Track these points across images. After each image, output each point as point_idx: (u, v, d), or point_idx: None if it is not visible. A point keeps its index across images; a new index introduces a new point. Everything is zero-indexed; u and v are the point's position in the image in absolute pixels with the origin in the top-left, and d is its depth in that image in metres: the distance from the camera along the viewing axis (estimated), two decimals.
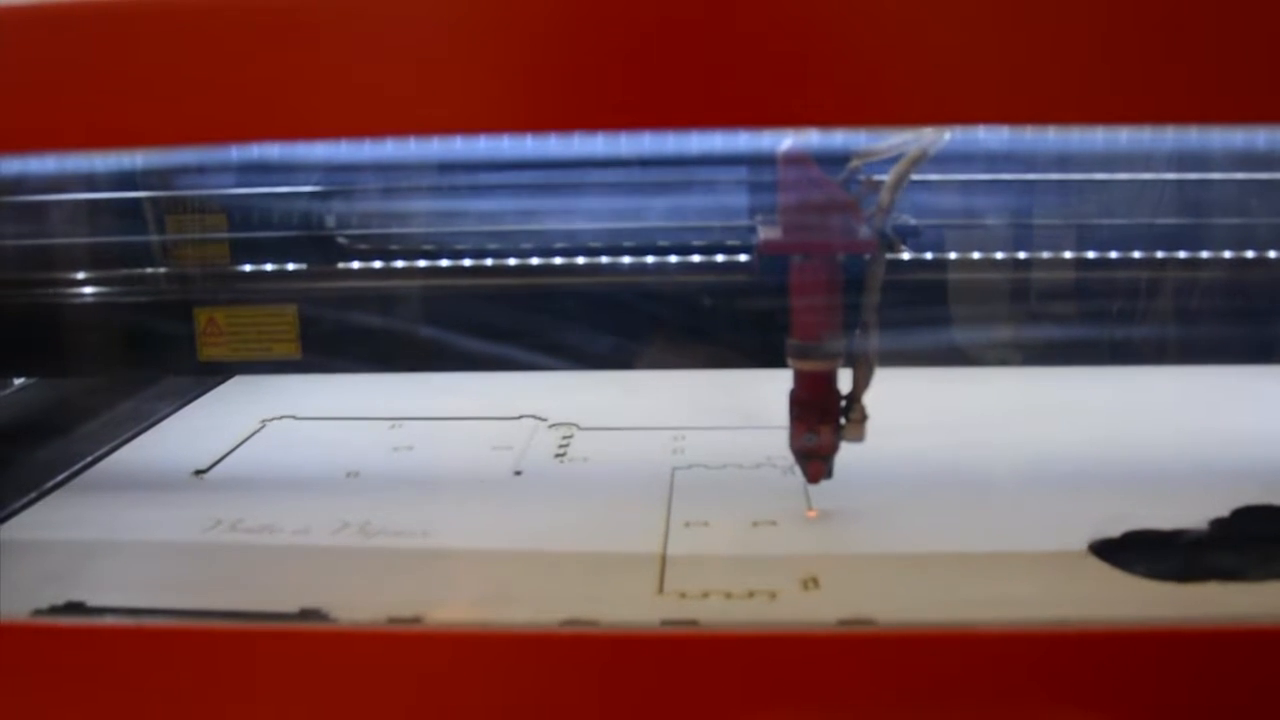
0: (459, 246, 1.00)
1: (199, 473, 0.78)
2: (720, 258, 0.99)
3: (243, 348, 1.01)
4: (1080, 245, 0.98)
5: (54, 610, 0.57)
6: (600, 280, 0.99)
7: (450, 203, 1.01)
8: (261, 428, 0.87)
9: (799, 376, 0.66)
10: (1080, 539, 0.61)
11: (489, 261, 1.00)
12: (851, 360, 0.66)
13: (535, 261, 1.00)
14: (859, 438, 0.66)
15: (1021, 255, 0.99)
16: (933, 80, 0.48)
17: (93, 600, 0.58)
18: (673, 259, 0.99)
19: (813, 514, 0.67)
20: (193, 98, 0.49)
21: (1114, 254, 0.98)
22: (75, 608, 0.57)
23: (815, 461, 0.67)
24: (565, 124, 0.52)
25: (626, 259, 0.99)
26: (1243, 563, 0.58)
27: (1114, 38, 0.46)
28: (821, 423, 0.66)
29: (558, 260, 1.00)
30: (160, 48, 0.49)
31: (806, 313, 0.65)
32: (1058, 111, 0.48)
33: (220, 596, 0.58)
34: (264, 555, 0.64)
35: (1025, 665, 0.52)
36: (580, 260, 1.00)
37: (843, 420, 0.66)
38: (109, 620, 0.56)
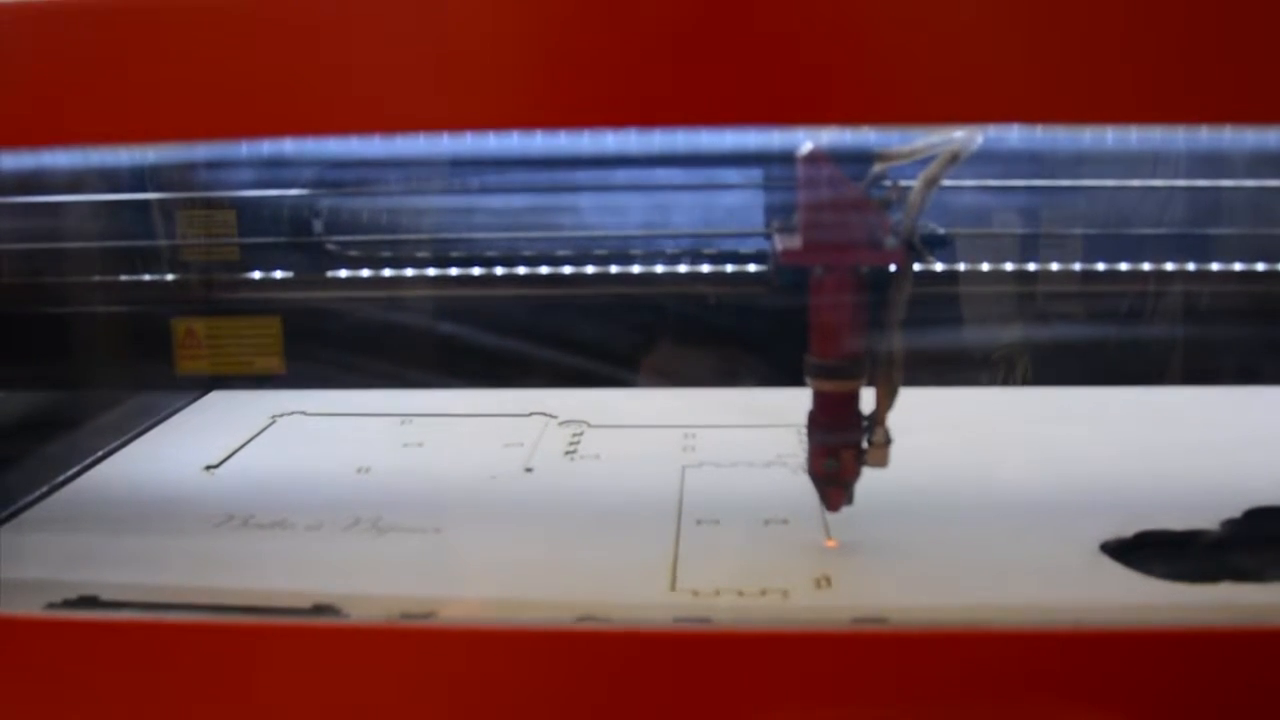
0: (455, 254, 0.96)
1: (210, 468, 0.78)
2: (730, 268, 0.94)
3: (223, 361, 0.95)
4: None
5: (67, 604, 0.57)
6: (605, 291, 0.95)
7: (447, 207, 0.97)
8: (271, 423, 0.87)
9: (818, 397, 0.62)
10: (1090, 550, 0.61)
11: (495, 271, 0.95)
12: (874, 379, 0.61)
13: (542, 271, 0.95)
14: (882, 463, 0.62)
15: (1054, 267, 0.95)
16: (961, 76, 0.47)
17: (106, 594, 0.58)
18: (682, 269, 0.94)
19: (832, 544, 0.63)
20: (199, 93, 0.49)
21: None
22: (89, 602, 0.57)
23: (835, 488, 0.63)
24: (580, 120, 0.52)
25: (635, 268, 0.94)
26: (1255, 563, 0.58)
27: (1145, 36, 0.46)
28: (842, 447, 0.62)
29: (565, 270, 0.95)
30: (166, 44, 0.49)
31: (827, 329, 0.60)
32: (1092, 110, 0.47)
33: (233, 591, 0.58)
34: (277, 550, 0.64)
35: (1038, 664, 0.52)
36: (587, 269, 0.95)
37: (864, 444, 0.62)
38: (122, 614, 0.56)
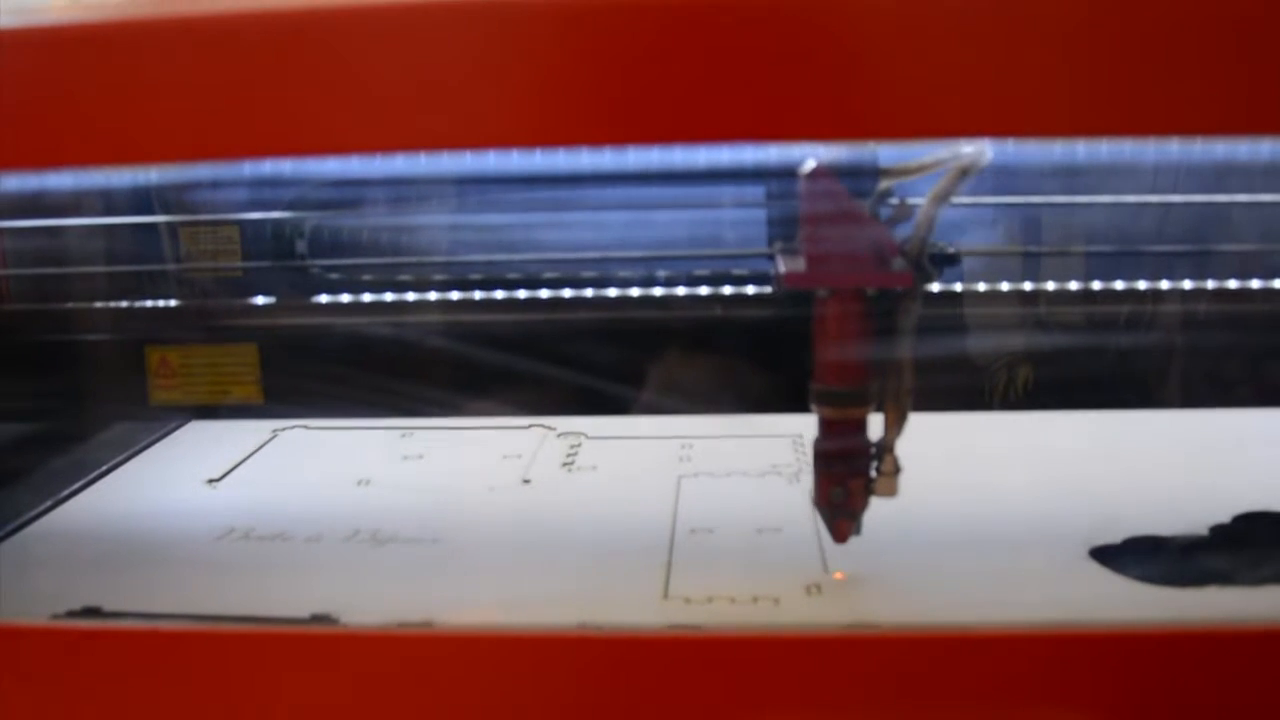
0: (441, 277, 0.92)
1: (212, 481, 0.79)
2: (728, 290, 0.91)
3: (198, 390, 0.91)
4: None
5: (72, 614, 0.58)
6: (602, 315, 0.91)
7: (436, 228, 0.94)
8: (273, 437, 0.88)
9: (824, 425, 0.60)
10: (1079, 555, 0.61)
11: (477, 295, 0.91)
12: (882, 405, 0.58)
13: (529, 294, 0.91)
14: (891, 492, 0.59)
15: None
16: (970, 88, 0.47)
17: (109, 605, 0.59)
18: (681, 291, 0.91)
19: (840, 576, 0.61)
20: (201, 114, 0.50)
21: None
22: (92, 612, 0.58)
23: (842, 519, 0.60)
24: (577, 138, 0.52)
25: (634, 291, 0.90)
26: (1243, 568, 0.58)
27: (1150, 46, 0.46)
28: (850, 477, 0.59)
29: (563, 292, 0.91)
30: (168, 65, 0.49)
31: (832, 353, 0.58)
32: (1103, 123, 0.47)
33: (233, 602, 0.59)
34: (276, 562, 0.65)
35: (1028, 667, 0.52)
36: (585, 292, 0.91)
37: (872, 473, 0.60)
38: (125, 624, 0.57)
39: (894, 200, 0.57)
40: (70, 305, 0.91)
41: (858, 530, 0.61)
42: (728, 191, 0.95)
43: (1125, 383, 0.97)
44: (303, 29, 0.49)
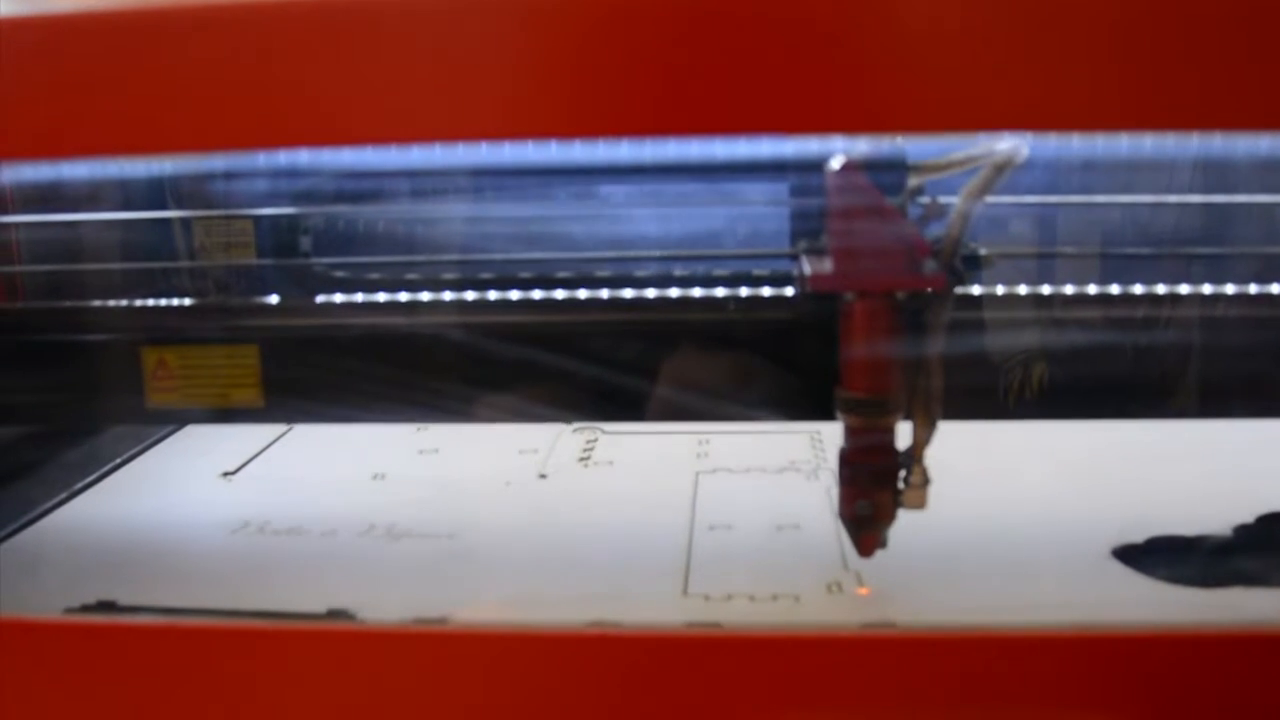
0: (451, 276, 0.88)
1: (227, 474, 0.78)
2: (745, 291, 0.84)
3: (196, 393, 0.86)
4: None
5: (85, 609, 0.58)
6: (619, 317, 0.85)
7: (447, 223, 0.91)
8: (289, 430, 0.87)
9: (850, 433, 0.57)
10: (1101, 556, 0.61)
11: (491, 295, 0.85)
12: (910, 413, 0.56)
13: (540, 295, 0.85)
14: (920, 504, 0.57)
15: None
16: (1005, 80, 0.45)
17: (123, 599, 0.58)
18: (697, 292, 0.85)
19: (864, 591, 0.59)
20: (215, 104, 0.49)
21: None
22: (106, 606, 0.58)
23: (869, 532, 0.58)
24: (597, 130, 0.51)
25: (650, 292, 0.85)
26: (1267, 568, 0.58)
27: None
28: (877, 488, 0.57)
29: (579, 293, 0.85)
30: (178, 54, 0.49)
31: (859, 359, 0.56)
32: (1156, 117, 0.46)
33: (249, 597, 0.59)
34: (292, 557, 0.65)
35: (1049, 668, 0.52)
36: (602, 293, 0.85)
37: (900, 484, 0.57)
38: (139, 618, 0.57)
39: (925, 198, 0.55)
40: (68, 304, 0.90)
41: (883, 544, 0.59)
42: (749, 188, 0.94)
43: (1142, 384, 0.96)
44: (315, 17, 0.48)
